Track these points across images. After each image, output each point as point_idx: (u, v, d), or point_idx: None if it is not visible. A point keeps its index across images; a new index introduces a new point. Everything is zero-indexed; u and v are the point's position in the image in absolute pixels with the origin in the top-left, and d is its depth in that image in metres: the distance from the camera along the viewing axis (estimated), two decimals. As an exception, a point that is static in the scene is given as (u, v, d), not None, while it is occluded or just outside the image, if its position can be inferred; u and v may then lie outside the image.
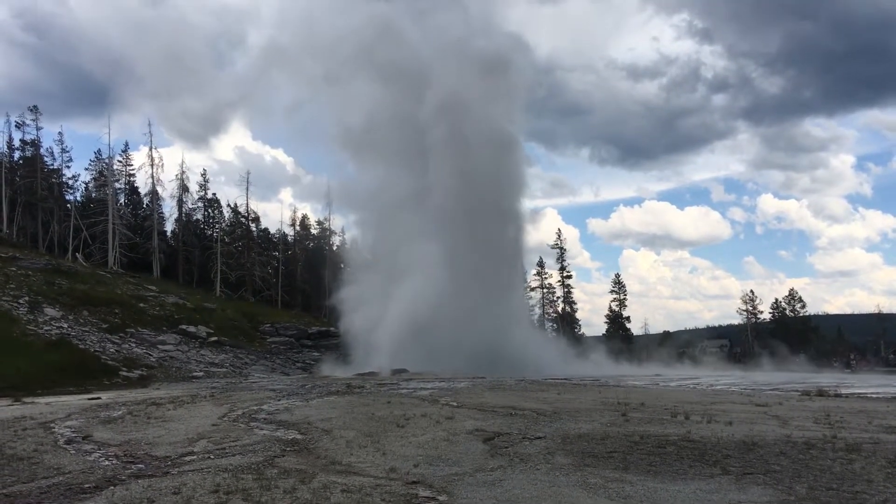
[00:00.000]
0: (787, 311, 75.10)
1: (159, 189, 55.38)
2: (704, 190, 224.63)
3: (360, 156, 45.43)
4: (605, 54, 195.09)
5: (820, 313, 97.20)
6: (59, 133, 69.17)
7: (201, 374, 28.74)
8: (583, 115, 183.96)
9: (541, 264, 74.35)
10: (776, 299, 77.27)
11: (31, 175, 51.19)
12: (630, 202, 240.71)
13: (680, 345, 77.52)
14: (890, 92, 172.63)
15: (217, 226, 60.40)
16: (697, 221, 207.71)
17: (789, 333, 71.50)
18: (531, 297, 72.85)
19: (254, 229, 61.72)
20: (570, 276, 74.57)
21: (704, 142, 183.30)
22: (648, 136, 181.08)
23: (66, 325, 29.02)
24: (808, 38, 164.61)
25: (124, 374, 25.37)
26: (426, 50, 45.33)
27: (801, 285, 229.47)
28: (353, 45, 43.94)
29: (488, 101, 44.68)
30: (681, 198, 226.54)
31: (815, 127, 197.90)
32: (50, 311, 29.99)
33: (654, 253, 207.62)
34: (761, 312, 77.10)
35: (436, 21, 47.26)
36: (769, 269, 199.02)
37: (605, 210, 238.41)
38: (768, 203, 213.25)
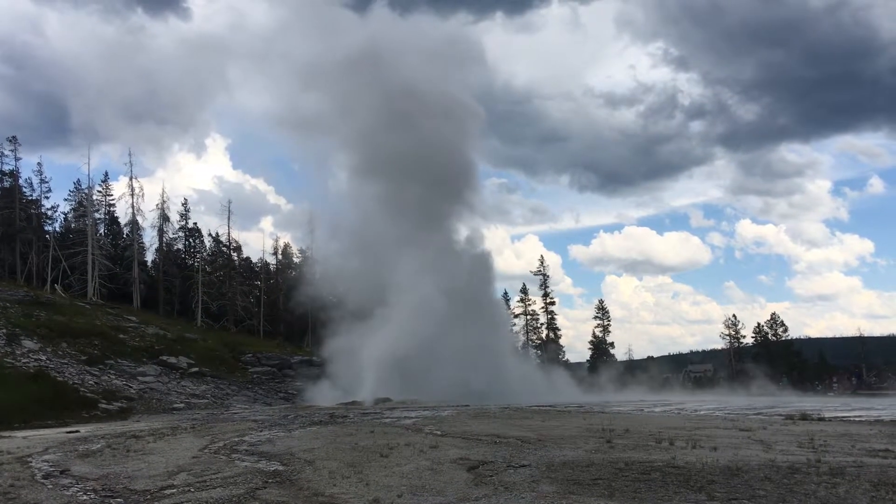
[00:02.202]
0: (770, 336, 75.41)
1: (139, 219, 55.19)
2: (684, 215, 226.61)
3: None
4: (583, 82, 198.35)
5: (802, 337, 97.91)
6: (38, 164, 68.53)
7: (182, 405, 28.39)
8: (562, 143, 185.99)
9: (524, 291, 74.55)
10: (758, 323, 77.63)
11: (10, 206, 50.74)
12: (610, 228, 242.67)
13: (663, 370, 77.63)
14: (863, 118, 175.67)
15: (198, 255, 60.06)
16: (677, 247, 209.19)
17: (772, 357, 71.73)
18: (515, 324, 72.99)
19: (235, 259, 61.45)
20: (553, 303, 74.74)
21: (682, 168, 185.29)
22: (627, 163, 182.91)
23: (44, 358, 28.60)
24: (782, 66, 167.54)
25: (103, 406, 24.99)
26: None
27: (782, 309, 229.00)
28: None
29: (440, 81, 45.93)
30: (660, 223, 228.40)
31: (790, 153, 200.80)
32: (28, 343, 29.58)
33: (636, 278, 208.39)
34: (744, 337, 77.43)
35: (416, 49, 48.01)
36: (749, 294, 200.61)
37: (585, 236, 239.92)
38: (747, 228, 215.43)
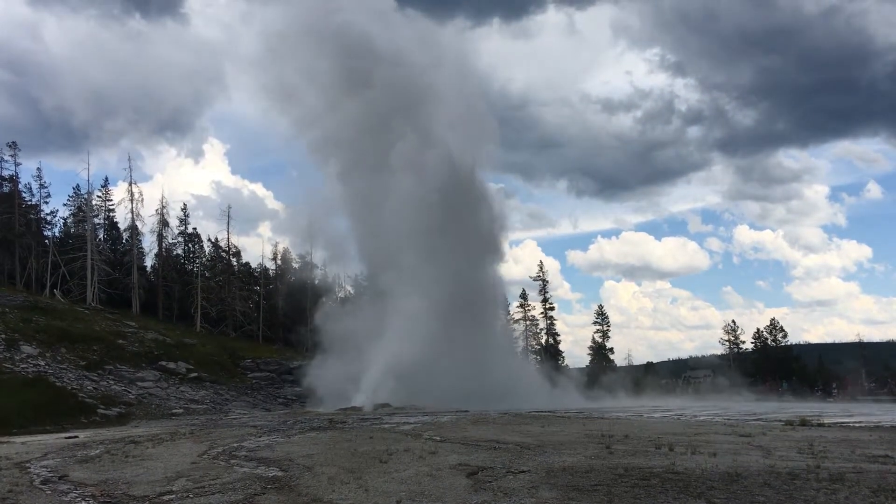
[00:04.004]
0: (769, 341, 75.36)
1: (139, 224, 55.05)
2: (682, 221, 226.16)
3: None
4: (580, 88, 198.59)
5: (801, 342, 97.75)
6: (38, 169, 68.52)
7: (181, 410, 28.36)
8: (559, 148, 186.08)
9: (523, 296, 74.49)
10: (758, 329, 77.60)
11: (9, 211, 50.64)
12: (608, 233, 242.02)
13: (663, 375, 77.61)
14: (859, 123, 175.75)
15: (197, 260, 59.98)
16: (675, 252, 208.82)
17: (771, 363, 71.71)
18: (514, 330, 72.90)
19: (234, 264, 61.39)
20: (552, 308, 74.68)
21: (680, 173, 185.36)
22: (625, 168, 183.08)
23: (43, 363, 28.59)
24: (778, 72, 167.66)
25: (102, 411, 24.98)
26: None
27: (780, 315, 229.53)
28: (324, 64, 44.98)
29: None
30: (658, 229, 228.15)
31: (788, 158, 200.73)
32: (27, 349, 29.56)
33: (634, 284, 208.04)
34: (743, 342, 77.43)
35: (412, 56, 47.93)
36: (748, 299, 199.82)
37: (583, 242, 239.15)
38: (744, 234, 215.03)
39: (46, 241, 53.57)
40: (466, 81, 49.02)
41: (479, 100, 51.24)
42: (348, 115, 43.26)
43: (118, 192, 68.61)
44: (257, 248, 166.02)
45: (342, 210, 44.90)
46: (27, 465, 12.26)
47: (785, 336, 76.11)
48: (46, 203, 55.72)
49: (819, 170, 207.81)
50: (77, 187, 56.85)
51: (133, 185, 54.51)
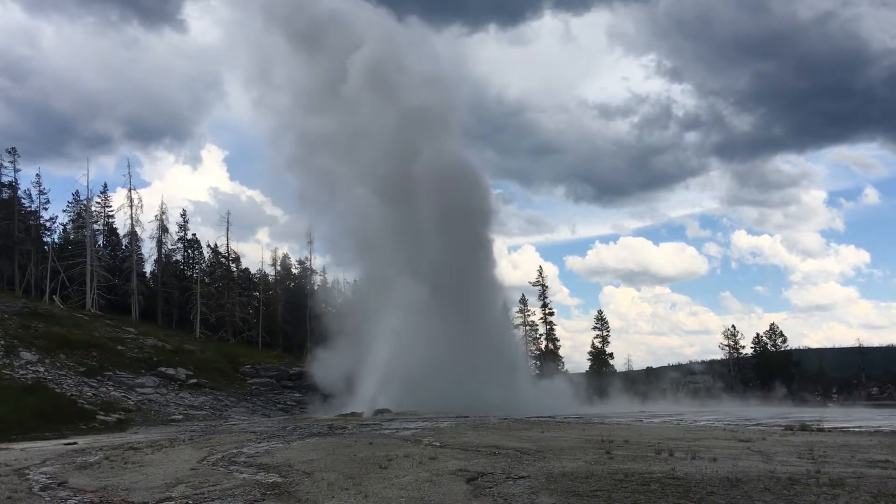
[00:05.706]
0: (769, 346, 75.33)
1: (138, 230, 55.15)
2: (680, 226, 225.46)
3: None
4: (577, 94, 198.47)
5: (801, 347, 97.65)
6: (37, 175, 68.44)
7: (180, 417, 28.33)
8: (556, 154, 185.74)
9: (523, 301, 74.42)
10: (757, 334, 77.45)
11: (9, 217, 50.73)
12: (606, 239, 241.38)
13: (662, 381, 77.49)
14: (857, 129, 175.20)
15: (197, 266, 60.00)
16: (674, 257, 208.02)
17: (771, 368, 71.64)
18: (513, 335, 72.78)
19: (234, 269, 61.40)
20: (552, 314, 74.62)
21: (678, 178, 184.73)
22: (622, 174, 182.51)
23: (42, 369, 28.56)
24: (775, 77, 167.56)
25: (102, 418, 24.95)
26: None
27: (779, 320, 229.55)
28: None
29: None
30: (656, 234, 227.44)
31: (785, 164, 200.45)
32: (26, 355, 29.53)
33: (633, 289, 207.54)
34: (743, 347, 77.32)
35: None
36: (746, 304, 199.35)
37: (582, 247, 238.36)
38: (742, 239, 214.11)
39: (46, 247, 53.61)
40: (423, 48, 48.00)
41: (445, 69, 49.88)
42: (309, 90, 43.31)
43: (117, 199, 68.66)
44: (256, 253, 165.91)
45: (322, 202, 44.52)
46: (26, 471, 12.24)
47: (784, 341, 76.13)
48: (46, 209, 55.93)
49: (816, 175, 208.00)
50: (76, 193, 57.02)
51: (132, 192, 54.69)
